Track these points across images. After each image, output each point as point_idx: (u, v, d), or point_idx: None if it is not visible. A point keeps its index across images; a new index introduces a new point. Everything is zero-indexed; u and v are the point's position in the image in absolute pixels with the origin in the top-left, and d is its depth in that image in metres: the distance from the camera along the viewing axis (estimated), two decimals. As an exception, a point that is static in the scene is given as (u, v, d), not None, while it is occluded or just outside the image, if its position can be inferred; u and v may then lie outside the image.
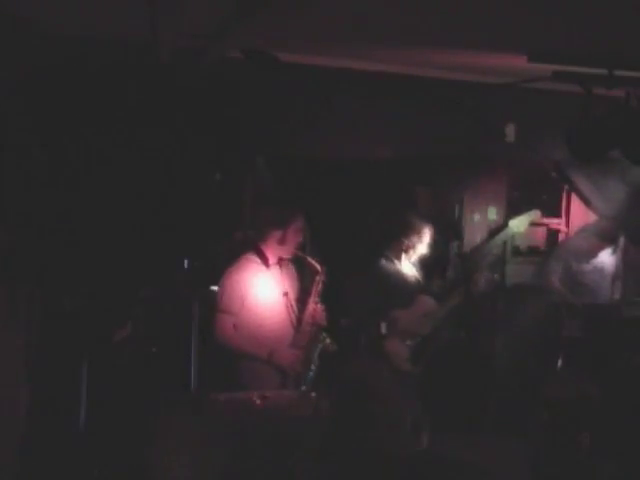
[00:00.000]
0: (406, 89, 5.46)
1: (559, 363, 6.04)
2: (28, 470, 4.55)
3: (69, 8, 3.91)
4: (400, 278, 5.70)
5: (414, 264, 5.78)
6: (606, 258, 6.49)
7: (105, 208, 4.80)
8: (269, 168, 6.00)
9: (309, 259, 5.05)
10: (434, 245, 5.86)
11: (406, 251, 5.70)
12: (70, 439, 4.74)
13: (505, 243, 6.87)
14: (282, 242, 4.97)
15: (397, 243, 5.70)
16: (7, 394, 4.48)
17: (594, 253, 6.48)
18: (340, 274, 5.25)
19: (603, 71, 4.50)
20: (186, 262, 5.17)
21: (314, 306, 5.05)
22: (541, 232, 7.19)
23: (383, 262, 5.70)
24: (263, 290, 4.96)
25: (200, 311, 5.10)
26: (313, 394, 4.59)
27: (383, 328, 5.57)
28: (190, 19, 4.04)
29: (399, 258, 5.71)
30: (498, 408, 5.99)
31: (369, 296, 5.62)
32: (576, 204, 7.02)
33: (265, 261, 4.99)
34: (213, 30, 4.26)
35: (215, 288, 5.10)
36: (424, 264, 5.86)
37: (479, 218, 6.90)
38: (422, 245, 5.72)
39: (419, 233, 5.70)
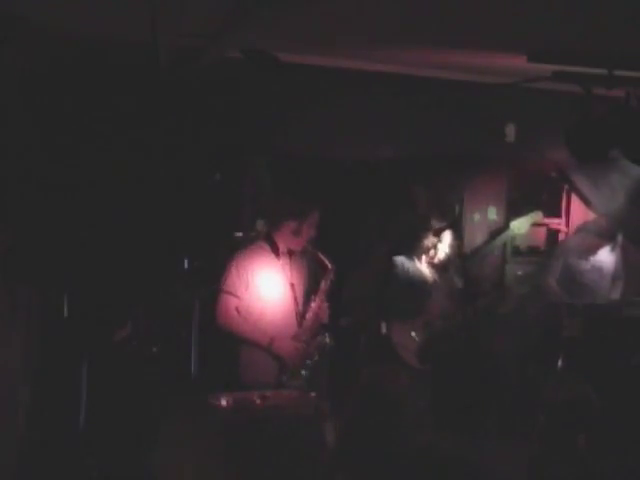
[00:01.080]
0: (406, 89, 5.46)
1: (559, 363, 6.04)
2: (28, 470, 4.55)
3: (69, 8, 3.91)
4: (418, 277, 5.74)
5: (435, 266, 5.82)
6: (604, 256, 6.48)
7: (105, 208, 4.81)
8: (269, 168, 6.00)
9: (320, 255, 5.05)
10: (455, 247, 5.92)
11: (426, 252, 5.76)
12: (70, 439, 4.74)
13: (505, 243, 6.88)
14: (297, 234, 4.97)
15: (418, 243, 5.76)
16: (7, 394, 4.48)
17: (592, 251, 6.47)
18: (341, 274, 5.25)
19: (603, 71, 4.50)
20: (186, 262, 5.17)
21: (320, 303, 5.05)
22: (541, 232, 7.19)
23: (403, 260, 5.75)
24: (269, 278, 4.96)
25: (200, 311, 5.11)
26: (313, 394, 4.59)
27: (383, 328, 5.58)
28: (190, 19, 4.05)
29: (419, 258, 5.77)
30: (499, 408, 5.99)
31: (379, 295, 5.65)
32: (576, 204, 7.01)
33: (275, 250, 5.00)
34: (213, 30, 4.26)
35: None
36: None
37: (479, 218, 6.90)
38: (443, 246, 5.78)
39: (439, 235, 5.76)
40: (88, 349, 4.82)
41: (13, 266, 4.43)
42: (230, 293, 4.88)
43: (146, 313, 5.12)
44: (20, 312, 4.50)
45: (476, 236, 6.88)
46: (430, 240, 5.79)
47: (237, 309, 4.89)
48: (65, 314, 4.77)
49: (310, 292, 5.08)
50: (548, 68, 4.56)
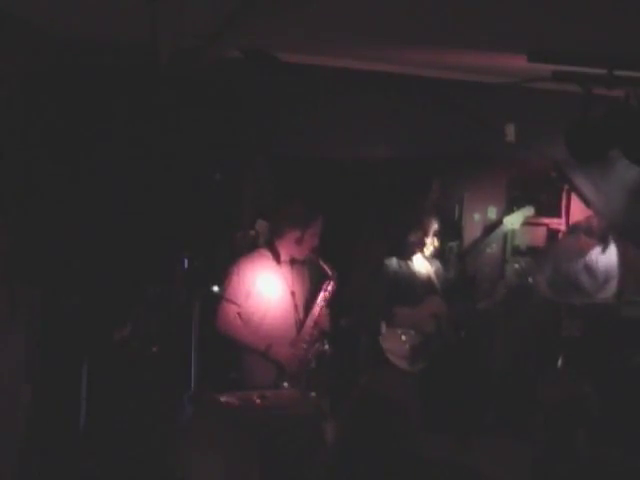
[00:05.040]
0: (406, 89, 5.46)
1: (559, 363, 6.04)
2: (28, 470, 4.55)
3: (69, 9, 3.91)
4: (409, 277, 5.72)
5: (430, 260, 5.80)
6: (596, 257, 6.49)
7: (105, 208, 4.81)
8: (269, 168, 6.00)
9: (322, 262, 5.05)
10: (442, 237, 5.91)
11: (418, 247, 5.73)
12: (70, 439, 4.74)
13: (505, 242, 6.89)
14: (299, 242, 4.97)
15: (407, 241, 5.74)
16: (7, 394, 4.48)
17: (584, 252, 6.48)
18: (341, 274, 5.25)
19: (603, 71, 4.50)
20: (186, 262, 5.17)
21: (320, 310, 5.04)
22: (541, 232, 7.19)
23: (394, 261, 5.73)
24: (270, 285, 4.97)
25: (200, 311, 5.11)
26: (313, 394, 4.59)
27: (383, 328, 5.58)
28: (190, 19, 4.04)
29: (411, 257, 5.74)
30: (498, 409, 5.99)
31: (374, 295, 5.63)
32: (576, 204, 7.01)
33: (277, 258, 5.01)
34: (213, 30, 4.26)
35: (216, 288, 5.13)
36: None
37: (479, 218, 6.91)
38: (431, 238, 5.75)
39: (425, 227, 5.73)
40: (88, 349, 4.82)
41: (13, 266, 4.43)
42: (231, 301, 4.89)
43: (146, 313, 5.12)
44: (20, 312, 4.50)
45: (476, 236, 6.88)
46: (417, 236, 5.73)
47: (238, 315, 4.90)
48: (65, 314, 4.77)
49: (311, 299, 5.09)
50: (548, 68, 4.55)
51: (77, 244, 4.70)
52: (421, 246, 5.75)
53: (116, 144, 4.78)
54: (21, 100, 4.46)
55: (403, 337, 5.58)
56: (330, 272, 5.05)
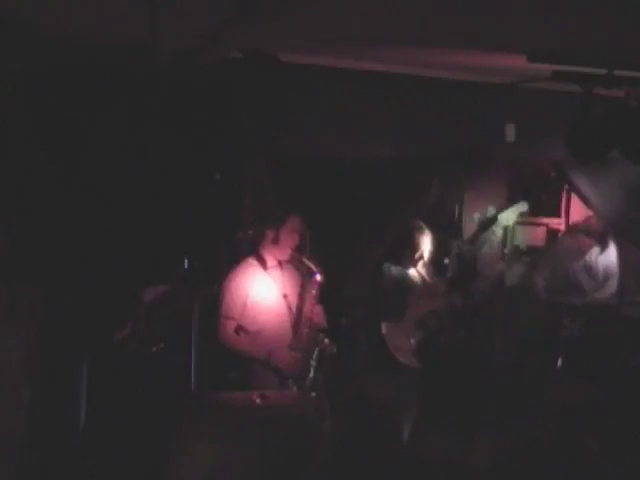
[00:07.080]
0: (406, 89, 5.46)
1: (559, 363, 6.04)
2: (28, 470, 4.55)
3: (69, 8, 3.91)
4: (406, 278, 5.74)
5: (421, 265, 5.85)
6: (595, 257, 6.50)
7: (105, 208, 4.80)
8: (269, 168, 6.00)
9: (304, 260, 5.05)
10: (436, 246, 5.94)
11: (417, 259, 5.78)
12: (70, 439, 4.74)
13: (505, 242, 6.89)
14: (275, 241, 4.98)
15: (408, 252, 5.77)
16: (7, 394, 4.48)
17: (583, 252, 6.49)
18: (341, 274, 5.25)
19: (603, 71, 4.50)
20: (186, 262, 5.17)
21: (311, 307, 5.04)
22: (541, 232, 7.20)
23: (391, 265, 5.75)
24: (263, 293, 4.97)
25: (200, 311, 5.11)
26: (313, 394, 4.59)
27: (383, 328, 5.58)
28: (190, 19, 4.04)
29: (407, 264, 5.78)
30: (497, 409, 5.99)
31: (374, 295, 5.66)
32: (576, 204, 7.02)
33: (264, 264, 5.01)
34: (213, 30, 4.26)
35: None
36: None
37: (479, 218, 6.91)
38: (428, 249, 5.81)
39: (425, 241, 5.79)
40: (88, 349, 4.82)
41: (13, 266, 4.43)
42: (227, 317, 4.91)
43: (146, 313, 5.12)
44: (20, 312, 4.50)
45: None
46: (420, 250, 5.81)
47: (236, 330, 4.92)
48: (65, 314, 4.76)
49: (303, 299, 5.09)
50: (548, 68, 4.55)
51: (77, 244, 4.70)
52: (415, 262, 5.82)
53: (116, 144, 4.78)
54: (20, 100, 4.46)
55: (408, 334, 5.59)
56: (315, 268, 5.03)
